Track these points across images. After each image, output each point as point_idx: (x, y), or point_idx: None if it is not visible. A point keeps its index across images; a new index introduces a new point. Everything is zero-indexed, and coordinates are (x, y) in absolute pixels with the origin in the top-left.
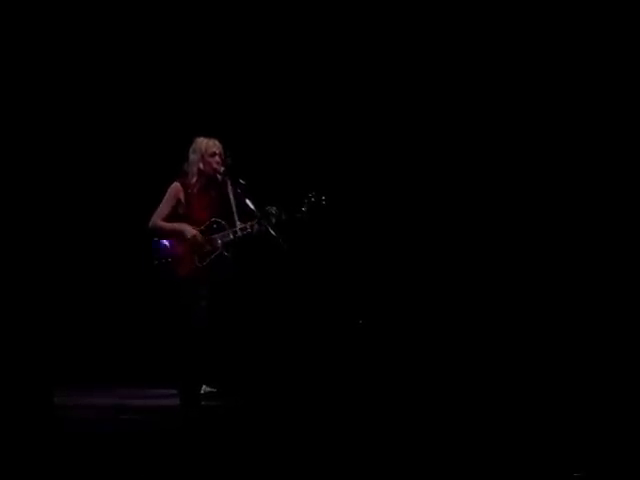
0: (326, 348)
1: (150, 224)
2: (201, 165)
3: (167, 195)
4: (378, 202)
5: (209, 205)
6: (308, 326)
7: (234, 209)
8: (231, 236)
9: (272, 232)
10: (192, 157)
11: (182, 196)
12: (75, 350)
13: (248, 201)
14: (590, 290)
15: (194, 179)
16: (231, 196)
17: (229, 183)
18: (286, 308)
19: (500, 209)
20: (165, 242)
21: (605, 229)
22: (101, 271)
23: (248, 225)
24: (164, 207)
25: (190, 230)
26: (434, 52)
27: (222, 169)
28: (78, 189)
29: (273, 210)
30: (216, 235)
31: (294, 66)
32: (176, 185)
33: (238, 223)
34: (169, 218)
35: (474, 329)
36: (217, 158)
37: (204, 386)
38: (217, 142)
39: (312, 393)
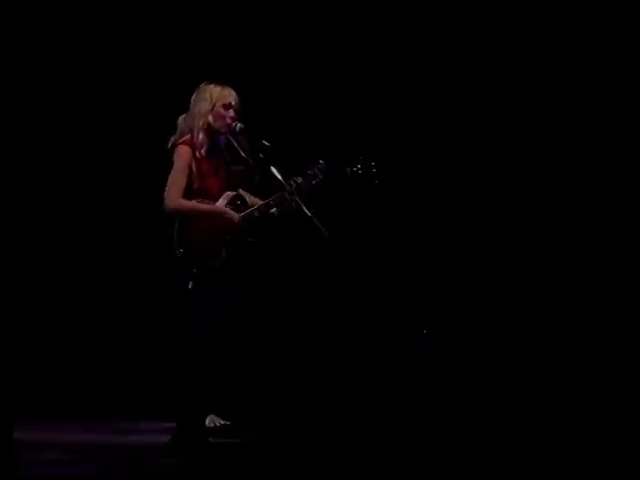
0: (376, 374)
1: (170, 204)
2: (211, 119)
3: (179, 163)
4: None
5: (217, 171)
6: (354, 340)
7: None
8: (256, 214)
9: (307, 212)
10: (199, 107)
11: (194, 164)
12: (44, 370)
13: (274, 169)
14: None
15: (199, 136)
16: (242, 155)
17: (234, 141)
18: (326, 314)
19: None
20: (188, 226)
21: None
22: (80, 272)
23: (272, 200)
24: (180, 179)
25: (232, 214)
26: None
27: (238, 126)
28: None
29: (299, 180)
30: (242, 214)
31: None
32: (185, 149)
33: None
34: (183, 195)
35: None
36: (232, 112)
37: (212, 417)
38: (233, 91)
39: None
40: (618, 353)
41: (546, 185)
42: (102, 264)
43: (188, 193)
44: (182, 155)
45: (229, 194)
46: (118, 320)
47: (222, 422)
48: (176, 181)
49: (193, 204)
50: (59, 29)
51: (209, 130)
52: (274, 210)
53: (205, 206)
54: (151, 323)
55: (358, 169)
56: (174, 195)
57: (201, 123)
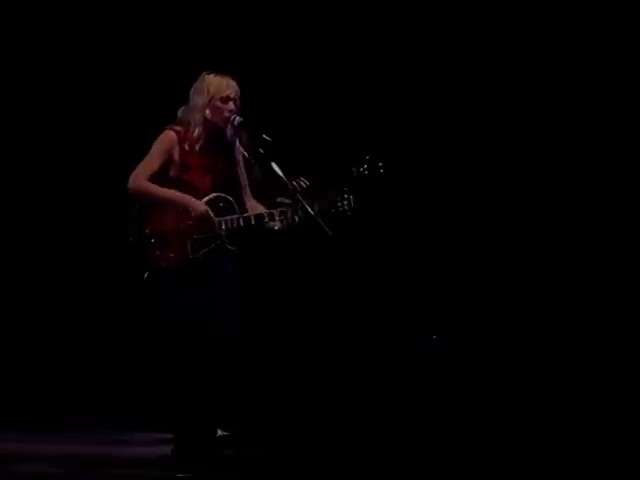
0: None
1: (132, 184)
2: (207, 112)
3: (156, 146)
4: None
5: (212, 169)
6: (359, 344)
7: (242, 181)
8: (241, 222)
9: (310, 211)
10: (195, 99)
11: (177, 152)
12: (40, 380)
13: (275, 166)
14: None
15: (196, 131)
16: (241, 163)
17: (238, 143)
18: (330, 317)
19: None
20: (151, 212)
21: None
22: (65, 271)
23: (266, 213)
24: (152, 162)
25: (198, 204)
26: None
27: (237, 120)
28: None
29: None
30: (220, 218)
31: None
32: (169, 134)
33: (259, 204)
34: (155, 181)
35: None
36: (231, 105)
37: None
38: (233, 82)
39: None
40: (624, 357)
41: (557, 187)
42: (102, 270)
43: (164, 181)
44: (163, 139)
45: (215, 195)
46: (117, 329)
47: (222, 433)
48: (146, 163)
49: (154, 188)
50: (60, 22)
51: (206, 125)
52: (272, 223)
53: (166, 192)
54: (151, 330)
55: (364, 169)
56: (138, 176)
57: (197, 117)
